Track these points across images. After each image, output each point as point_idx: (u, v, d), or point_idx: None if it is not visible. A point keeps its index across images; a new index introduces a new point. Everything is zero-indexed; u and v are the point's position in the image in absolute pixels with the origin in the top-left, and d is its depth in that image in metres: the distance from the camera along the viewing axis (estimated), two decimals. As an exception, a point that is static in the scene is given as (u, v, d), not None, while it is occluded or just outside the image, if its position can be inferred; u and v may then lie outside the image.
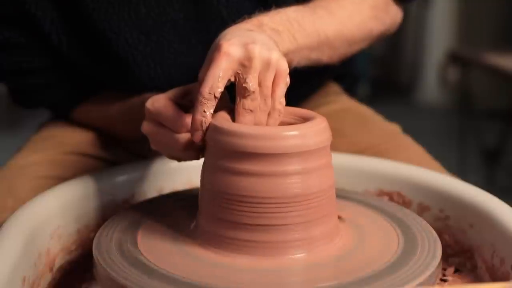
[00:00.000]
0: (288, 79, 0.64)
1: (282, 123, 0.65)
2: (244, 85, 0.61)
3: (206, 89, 0.60)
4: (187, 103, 0.66)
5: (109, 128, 0.93)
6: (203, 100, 0.61)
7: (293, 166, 0.59)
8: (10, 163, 0.90)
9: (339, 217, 0.66)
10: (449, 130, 3.34)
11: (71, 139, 0.93)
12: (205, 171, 0.63)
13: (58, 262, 0.71)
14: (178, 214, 0.69)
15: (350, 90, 1.14)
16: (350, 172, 0.83)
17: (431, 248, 0.62)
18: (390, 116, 1.07)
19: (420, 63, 4.60)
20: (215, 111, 0.62)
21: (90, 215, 0.77)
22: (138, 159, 0.89)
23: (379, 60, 4.82)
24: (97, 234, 0.65)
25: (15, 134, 2.78)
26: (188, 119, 0.64)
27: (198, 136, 0.62)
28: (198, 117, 0.61)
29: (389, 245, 0.63)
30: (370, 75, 4.36)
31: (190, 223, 0.66)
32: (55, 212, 0.71)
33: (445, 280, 0.69)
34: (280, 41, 0.69)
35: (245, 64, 0.61)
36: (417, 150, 0.96)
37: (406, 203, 0.79)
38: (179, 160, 0.69)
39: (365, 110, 1.06)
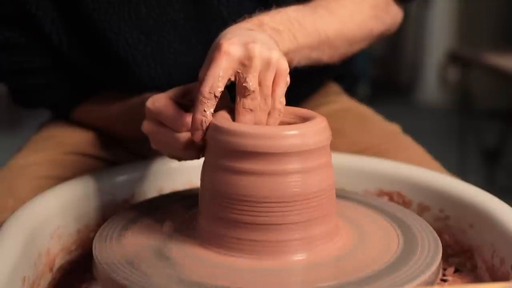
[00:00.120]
0: (288, 79, 0.64)
1: (282, 123, 0.65)
2: (244, 84, 0.61)
3: (206, 89, 0.60)
4: (187, 103, 0.66)
5: (109, 128, 0.93)
6: (203, 100, 0.61)
7: (293, 165, 0.59)
8: (10, 163, 0.90)
9: None
10: (449, 130, 3.35)
11: (71, 139, 0.93)
12: (206, 171, 0.63)
13: (58, 262, 0.71)
14: (178, 214, 0.69)
15: (350, 90, 1.14)
16: (350, 172, 0.83)
17: (431, 248, 0.62)
18: (390, 116, 1.07)
19: (420, 63, 4.60)
20: (216, 110, 0.62)
21: (90, 215, 0.77)
22: (138, 159, 0.89)
23: (379, 60, 4.82)
24: (97, 234, 0.65)
25: (15, 134, 2.78)
26: (188, 118, 0.64)
27: (198, 136, 0.62)
28: (198, 116, 0.61)
29: (389, 245, 0.63)
30: (370, 75, 4.36)
31: (190, 223, 0.66)
32: (55, 212, 0.71)
33: (445, 280, 0.69)
34: (280, 40, 0.69)
35: (245, 64, 0.61)
36: (417, 150, 0.96)
37: (406, 203, 0.79)
38: (180, 159, 0.69)
39: (365, 110, 1.06)
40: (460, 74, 3.20)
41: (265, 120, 0.64)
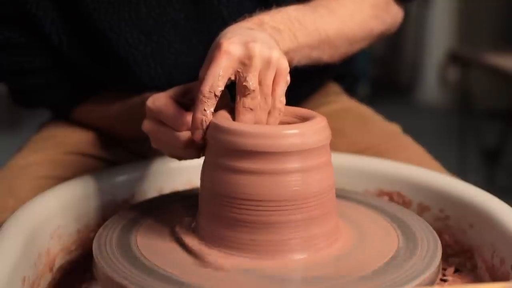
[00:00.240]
0: (288, 78, 0.64)
1: (282, 123, 0.65)
2: (244, 83, 0.61)
3: (206, 88, 0.60)
4: (187, 102, 0.66)
5: (109, 128, 0.93)
6: (203, 99, 0.61)
7: (293, 164, 0.59)
8: (10, 163, 0.90)
9: None
10: (449, 130, 3.34)
11: (71, 139, 0.93)
12: (206, 170, 0.63)
13: (58, 262, 0.71)
14: (178, 214, 0.69)
15: (350, 90, 1.14)
16: (350, 172, 0.83)
17: (431, 248, 0.62)
18: (390, 116, 1.07)
19: (420, 63, 4.60)
20: (216, 109, 0.62)
21: (90, 215, 0.77)
22: (138, 159, 0.89)
23: (379, 60, 4.82)
24: (97, 234, 0.65)
25: (15, 134, 2.78)
26: (188, 117, 0.64)
27: (198, 135, 0.62)
28: (199, 115, 0.61)
29: (389, 245, 0.63)
30: (370, 75, 4.36)
31: (190, 223, 0.66)
32: (55, 212, 0.71)
33: (445, 280, 0.69)
34: (280, 39, 0.69)
35: (245, 63, 0.61)
36: (417, 150, 0.96)
37: (406, 203, 0.79)
38: (180, 158, 0.69)
39: (365, 110, 1.06)
40: (460, 74, 3.20)
41: (265, 119, 0.64)
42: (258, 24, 0.69)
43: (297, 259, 0.60)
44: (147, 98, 0.68)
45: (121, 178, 0.81)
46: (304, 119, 0.64)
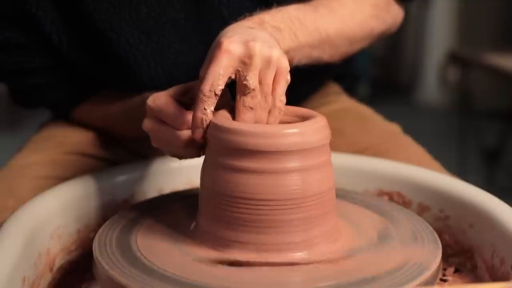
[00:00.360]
0: (288, 77, 0.64)
1: (282, 122, 0.65)
2: (244, 82, 0.61)
3: (206, 87, 0.60)
4: (188, 101, 0.66)
5: (109, 127, 0.93)
6: (203, 98, 0.61)
7: (293, 163, 0.59)
8: (10, 163, 0.90)
9: None
10: (449, 130, 3.34)
11: (71, 139, 0.93)
12: (206, 169, 0.63)
13: (58, 262, 0.71)
14: (178, 214, 0.69)
15: (350, 90, 1.14)
16: (350, 172, 0.83)
17: (431, 248, 0.62)
18: (390, 116, 1.07)
19: (420, 63, 4.60)
20: (216, 108, 0.62)
21: (90, 215, 0.77)
22: (138, 159, 0.89)
23: (379, 60, 4.82)
24: (97, 234, 0.65)
25: (15, 134, 2.78)
26: (189, 116, 0.64)
27: (198, 134, 0.62)
28: (199, 114, 0.61)
29: (388, 245, 0.63)
30: (370, 75, 4.37)
31: (190, 223, 0.66)
32: (55, 212, 0.71)
33: (445, 280, 0.69)
34: (281, 38, 0.69)
35: (245, 62, 0.61)
36: (417, 150, 0.96)
37: (406, 203, 0.79)
38: (180, 157, 0.69)
39: (365, 110, 1.06)
40: (460, 74, 3.20)
41: (266, 118, 0.64)
42: (258, 23, 0.69)
43: (297, 258, 0.60)
44: (147, 98, 0.68)
45: (121, 178, 0.81)
46: (304, 118, 0.64)
